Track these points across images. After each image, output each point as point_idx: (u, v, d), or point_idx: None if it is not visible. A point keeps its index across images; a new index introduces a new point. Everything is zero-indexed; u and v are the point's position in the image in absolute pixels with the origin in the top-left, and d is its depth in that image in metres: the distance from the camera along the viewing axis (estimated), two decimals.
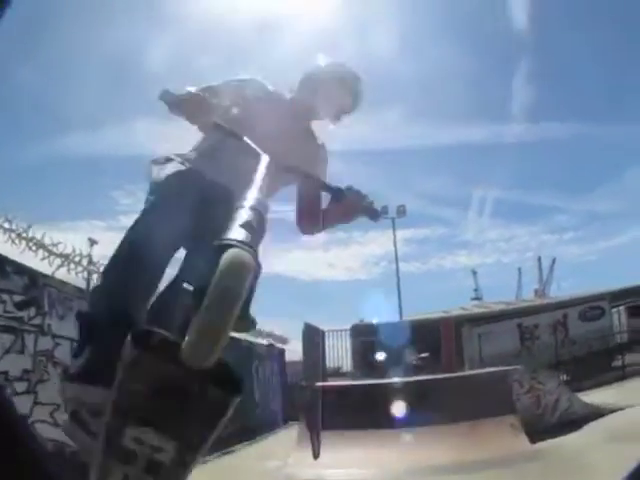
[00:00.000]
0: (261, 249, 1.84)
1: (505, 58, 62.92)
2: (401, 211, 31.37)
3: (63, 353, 8.10)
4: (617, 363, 21.59)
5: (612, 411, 11.53)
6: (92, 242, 12.88)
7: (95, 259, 11.57)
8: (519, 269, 59.47)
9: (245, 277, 1.63)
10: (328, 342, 24.18)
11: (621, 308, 26.17)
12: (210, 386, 1.60)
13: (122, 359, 1.61)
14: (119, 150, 57.23)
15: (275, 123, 2.62)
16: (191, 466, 1.64)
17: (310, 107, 2.95)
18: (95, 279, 10.83)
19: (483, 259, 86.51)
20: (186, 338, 1.57)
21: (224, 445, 12.02)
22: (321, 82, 2.88)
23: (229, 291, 1.57)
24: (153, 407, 1.56)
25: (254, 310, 1.81)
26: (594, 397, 12.92)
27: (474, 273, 58.19)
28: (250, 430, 15.01)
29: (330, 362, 25.07)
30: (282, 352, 22.08)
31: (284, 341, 22.48)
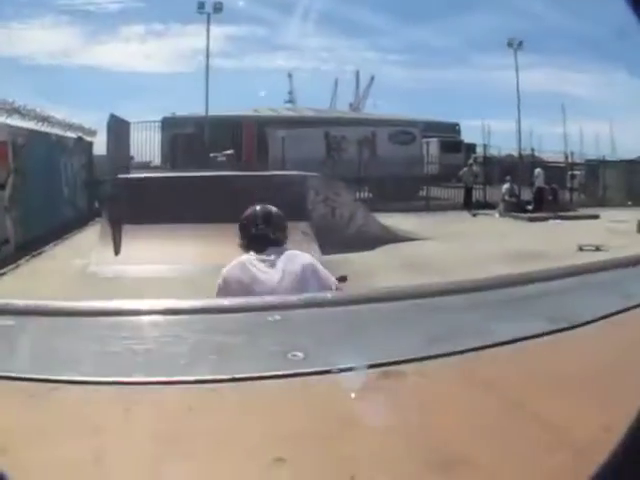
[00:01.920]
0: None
1: None
2: (218, 7, 29.91)
3: None
4: (422, 194, 22.20)
5: (409, 239, 12.21)
6: None
7: None
8: (336, 80, 60.05)
9: None
10: (137, 135, 23.55)
11: (434, 139, 26.83)
12: None
13: None
14: None
15: None
16: None
17: None
18: None
19: (301, 64, 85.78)
20: None
21: (34, 247, 11.70)
22: None
23: None
24: None
25: None
26: (393, 222, 13.30)
27: (289, 76, 57.68)
28: (59, 228, 14.70)
29: (139, 156, 24.63)
30: (90, 145, 21.10)
31: (93, 134, 21.35)
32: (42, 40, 64.28)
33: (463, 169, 21.75)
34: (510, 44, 32.55)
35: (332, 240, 10.53)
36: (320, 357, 0.84)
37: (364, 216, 12.61)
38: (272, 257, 2.88)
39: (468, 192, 20.84)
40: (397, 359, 0.78)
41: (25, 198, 13.55)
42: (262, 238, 3.00)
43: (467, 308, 1.09)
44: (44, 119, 16.83)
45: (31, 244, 12.38)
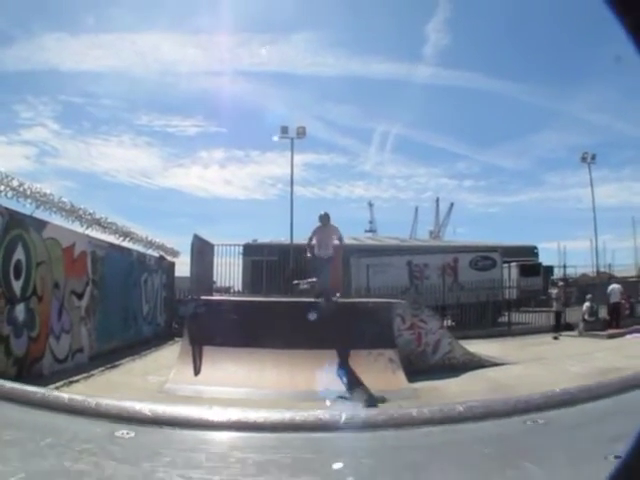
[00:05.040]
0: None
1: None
2: (300, 132, 30.99)
3: None
4: (503, 319, 22.31)
5: (493, 364, 11.87)
6: None
7: None
8: (416, 208, 61.43)
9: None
10: (219, 259, 23.81)
11: (513, 264, 26.84)
12: None
13: None
14: (26, 65, 54.13)
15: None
16: None
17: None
18: None
19: (380, 193, 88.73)
20: None
21: (110, 360, 11.70)
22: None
23: None
24: None
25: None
26: (477, 348, 13.18)
27: (370, 205, 59.46)
28: (136, 344, 14.69)
29: (220, 281, 24.86)
30: (172, 265, 21.52)
31: (175, 254, 21.79)
32: (121, 158, 69.43)
33: (553, 292, 21.50)
34: (584, 159, 32.50)
35: (418, 367, 10.68)
36: None
37: (449, 342, 12.27)
38: None
39: (558, 315, 20.19)
40: None
41: (102, 310, 13.67)
42: None
43: None
44: (125, 234, 16.96)
45: (106, 356, 12.31)
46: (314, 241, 11.24)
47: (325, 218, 11.32)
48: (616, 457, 0.88)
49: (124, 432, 0.92)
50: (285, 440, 1.06)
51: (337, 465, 0.97)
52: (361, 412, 1.13)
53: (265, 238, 30.63)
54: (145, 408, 0.99)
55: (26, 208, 11.31)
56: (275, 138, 31.54)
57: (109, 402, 1.06)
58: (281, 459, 0.94)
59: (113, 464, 0.84)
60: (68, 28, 59.31)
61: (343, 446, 1.08)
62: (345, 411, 1.78)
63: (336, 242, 11.45)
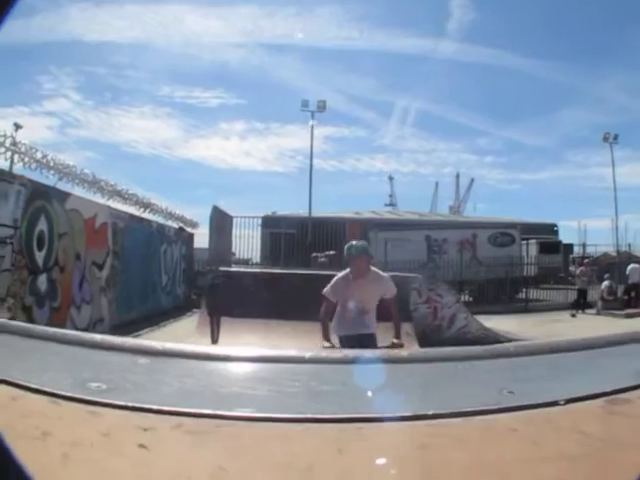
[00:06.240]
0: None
1: None
2: (321, 106, 30.78)
3: None
4: (521, 296, 22.26)
5: (509, 340, 11.53)
6: (17, 127, 13.38)
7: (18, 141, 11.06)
8: (436, 183, 61.01)
9: None
10: (238, 230, 23.93)
11: (532, 241, 26.76)
12: None
13: None
14: (49, 36, 54.25)
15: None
16: None
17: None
18: (17, 160, 10.86)
19: (400, 167, 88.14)
20: None
21: (130, 330, 11.95)
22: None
23: None
24: None
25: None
26: (493, 323, 13.14)
27: (391, 179, 59.16)
28: (155, 314, 14.89)
29: (239, 253, 25.03)
30: (191, 236, 21.68)
31: (194, 225, 21.96)
32: (142, 129, 69.83)
33: (578, 269, 20.99)
34: (605, 139, 31.88)
35: (433, 341, 10.63)
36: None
37: (465, 317, 12.32)
38: None
39: (581, 293, 19.64)
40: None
41: (122, 280, 13.90)
42: None
43: None
44: (145, 205, 17.13)
45: (126, 326, 12.47)
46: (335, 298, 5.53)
47: (361, 255, 5.55)
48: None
49: (142, 360, 1.20)
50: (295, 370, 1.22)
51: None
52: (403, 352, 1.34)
53: (284, 211, 30.66)
54: (158, 344, 1.26)
55: (49, 180, 11.53)
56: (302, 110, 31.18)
57: (132, 340, 1.49)
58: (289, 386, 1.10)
59: (133, 377, 1.11)
60: None
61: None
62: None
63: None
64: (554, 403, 0.94)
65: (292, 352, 1.36)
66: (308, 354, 1.28)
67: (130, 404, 0.92)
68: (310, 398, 1.03)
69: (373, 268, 5.64)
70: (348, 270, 5.53)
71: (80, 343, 1.34)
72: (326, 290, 5.43)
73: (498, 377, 1.18)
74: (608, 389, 1.00)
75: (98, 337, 1.37)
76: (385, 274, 5.69)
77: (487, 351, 1.40)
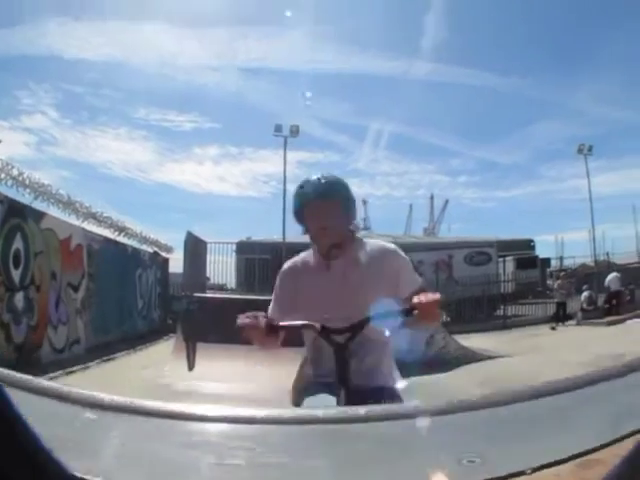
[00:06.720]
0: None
1: None
2: (294, 131, 30.67)
3: None
4: (499, 312, 22.32)
5: (488, 358, 11.79)
6: None
7: None
8: (410, 205, 61.49)
9: None
10: (212, 257, 23.69)
11: (508, 258, 26.87)
12: None
13: None
14: (27, 50, 54.15)
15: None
16: None
17: None
18: None
19: (374, 190, 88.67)
20: None
21: (106, 352, 11.69)
22: None
23: None
24: None
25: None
26: (472, 342, 13.14)
27: (364, 203, 59.28)
28: (131, 338, 14.64)
29: (215, 278, 24.76)
30: (166, 261, 21.47)
31: (169, 250, 21.74)
32: (117, 150, 69.62)
33: (556, 282, 21.37)
34: (580, 150, 31.63)
35: (411, 362, 10.21)
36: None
37: (443, 337, 12.14)
38: None
39: (560, 306, 19.84)
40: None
41: (98, 302, 13.65)
42: None
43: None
44: (120, 229, 16.91)
45: (102, 349, 12.25)
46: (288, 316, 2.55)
47: (327, 200, 2.46)
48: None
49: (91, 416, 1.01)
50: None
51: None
52: (361, 409, 0.97)
53: (259, 236, 30.46)
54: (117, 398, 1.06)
55: (25, 198, 11.31)
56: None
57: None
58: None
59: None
60: (72, 12, 59.64)
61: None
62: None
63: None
64: (521, 473, 0.80)
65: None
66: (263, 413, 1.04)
67: None
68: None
69: (363, 238, 2.70)
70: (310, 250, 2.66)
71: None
72: (271, 309, 2.77)
73: (458, 439, 1.01)
74: (578, 449, 0.86)
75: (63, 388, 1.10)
76: (391, 244, 2.67)
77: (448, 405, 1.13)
